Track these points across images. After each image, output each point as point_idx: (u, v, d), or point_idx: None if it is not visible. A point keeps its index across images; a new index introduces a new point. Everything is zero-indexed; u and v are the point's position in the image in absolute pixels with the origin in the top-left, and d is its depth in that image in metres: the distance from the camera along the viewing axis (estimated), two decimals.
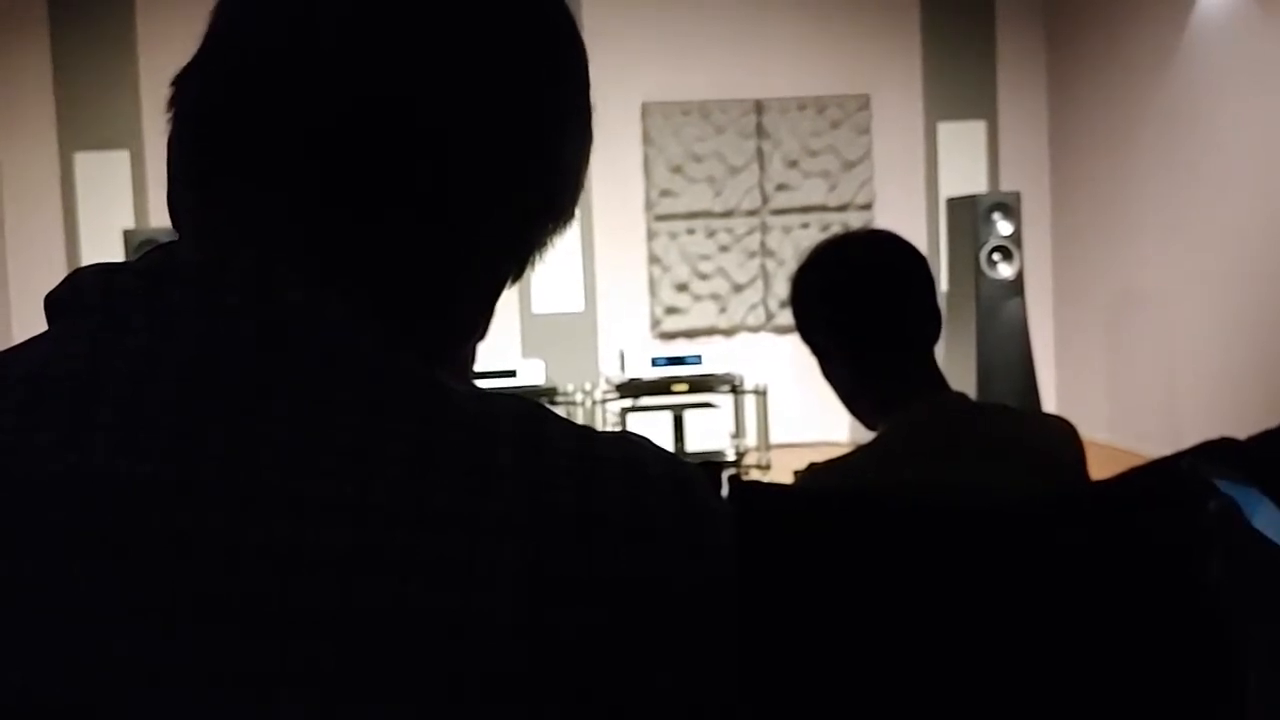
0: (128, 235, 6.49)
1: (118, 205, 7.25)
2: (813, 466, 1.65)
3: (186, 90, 0.63)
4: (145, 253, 0.58)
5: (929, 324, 1.68)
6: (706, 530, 0.55)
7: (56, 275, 6.15)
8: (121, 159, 7.28)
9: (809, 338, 1.72)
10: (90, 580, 0.48)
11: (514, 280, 0.66)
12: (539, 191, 0.64)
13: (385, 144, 0.58)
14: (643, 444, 0.56)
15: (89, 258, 7.14)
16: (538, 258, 0.67)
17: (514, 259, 0.65)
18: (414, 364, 0.56)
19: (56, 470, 0.50)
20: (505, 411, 0.54)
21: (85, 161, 7.29)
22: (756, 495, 1.34)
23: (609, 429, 0.61)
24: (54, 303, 0.58)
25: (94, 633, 0.47)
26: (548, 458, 0.52)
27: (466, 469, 0.51)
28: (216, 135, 0.61)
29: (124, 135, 7.26)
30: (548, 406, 0.56)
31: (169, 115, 0.63)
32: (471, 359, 0.68)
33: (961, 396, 1.69)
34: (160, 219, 7.05)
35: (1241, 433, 1.26)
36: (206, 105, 0.61)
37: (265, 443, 0.50)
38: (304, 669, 0.47)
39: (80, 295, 0.57)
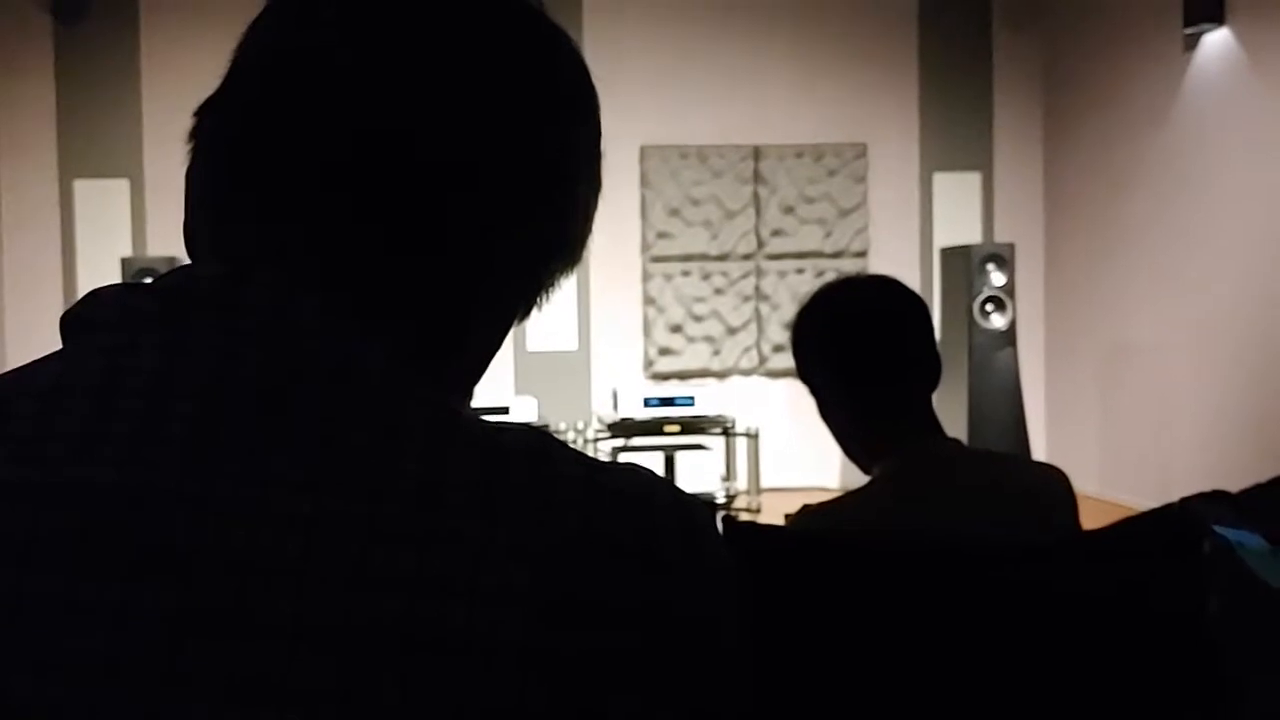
0: (125, 263, 6.52)
1: (116, 233, 7.27)
2: (806, 509, 1.66)
3: (207, 121, 0.64)
4: (163, 274, 0.59)
5: (927, 369, 1.69)
6: (709, 561, 0.56)
7: (53, 301, 6.11)
8: (121, 187, 7.30)
9: (808, 378, 1.73)
10: (98, 590, 0.48)
11: (522, 318, 0.68)
12: (552, 229, 0.66)
13: (402, 175, 0.59)
14: (648, 474, 0.57)
15: (86, 285, 7.15)
16: (545, 297, 0.68)
17: (523, 296, 0.67)
18: (426, 389, 0.56)
19: (67, 481, 0.50)
20: (514, 439, 0.55)
21: (85, 189, 7.31)
22: (750, 535, 1.35)
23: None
24: (71, 321, 0.59)
25: (100, 641, 0.48)
26: (556, 484, 0.53)
27: (476, 493, 0.51)
28: (236, 165, 0.62)
29: (124, 163, 7.29)
30: (554, 436, 0.57)
31: (189, 146, 0.64)
32: (471, 394, 0.68)
33: (955, 442, 1.69)
34: (158, 247, 7.07)
35: (1231, 487, 1.26)
36: (227, 136, 0.62)
37: (276, 461, 0.51)
38: (307, 684, 0.47)
39: (97, 314, 0.58)
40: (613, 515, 0.53)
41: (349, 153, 0.59)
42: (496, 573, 0.50)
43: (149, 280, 0.60)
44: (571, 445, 0.58)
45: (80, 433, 0.52)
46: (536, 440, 0.56)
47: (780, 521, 1.77)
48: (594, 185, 0.69)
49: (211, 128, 0.63)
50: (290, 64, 0.62)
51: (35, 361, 0.57)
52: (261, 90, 0.62)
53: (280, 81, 0.61)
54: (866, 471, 1.71)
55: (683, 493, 0.58)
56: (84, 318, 0.58)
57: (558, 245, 0.67)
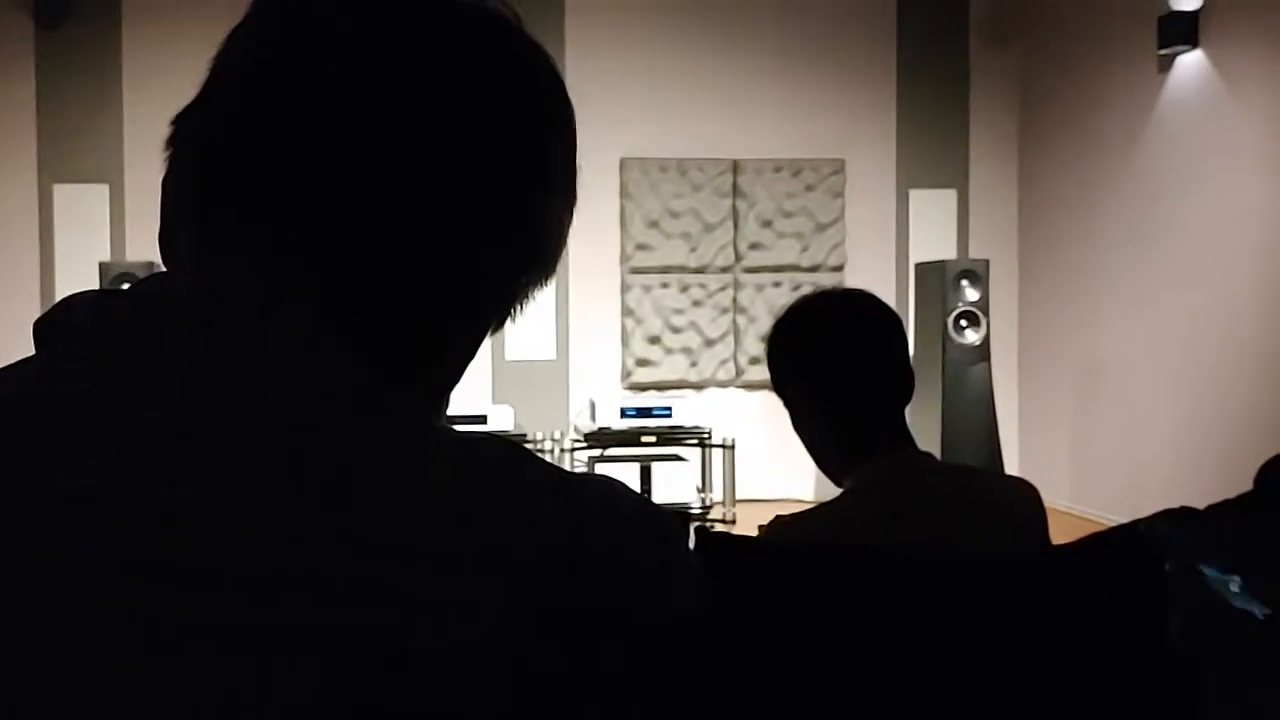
0: (103, 267, 6.49)
1: (95, 238, 7.24)
2: (779, 519, 1.68)
3: (186, 128, 0.64)
4: (139, 281, 0.59)
5: (901, 382, 1.71)
6: (680, 571, 0.57)
7: (30, 305, 6.08)
8: (101, 192, 7.28)
9: (782, 389, 1.74)
10: (75, 597, 0.48)
11: (495, 329, 0.68)
12: (528, 242, 0.67)
13: (381, 185, 0.60)
14: (619, 487, 0.58)
15: (63, 289, 7.11)
16: (520, 308, 0.69)
17: (499, 307, 0.68)
18: (402, 401, 0.57)
19: (43, 492, 0.50)
20: (489, 451, 0.55)
21: (64, 193, 7.28)
22: (722, 544, 1.38)
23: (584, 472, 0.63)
24: (45, 327, 0.58)
25: (76, 647, 0.47)
26: (530, 496, 0.54)
27: (451, 505, 0.52)
28: (214, 173, 0.62)
29: (104, 169, 7.27)
30: (527, 448, 0.58)
31: (167, 154, 0.64)
32: (445, 404, 0.69)
33: (927, 455, 1.72)
34: (136, 253, 7.04)
35: (1198, 502, 1.28)
36: (206, 141, 0.63)
37: (253, 470, 0.51)
38: (283, 692, 0.47)
39: (72, 320, 0.57)
40: (585, 526, 0.54)
41: (329, 164, 0.60)
42: (470, 583, 0.50)
43: (125, 286, 0.59)
44: (548, 455, 0.59)
45: (56, 444, 0.51)
46: (510, 452, 0.56)
47: (754, 532, 1.79)
48: (569, 199, 0.69)
49: (190, 135, 0.63)
50: (271, 74, 0.62)
51: (7, 368, 0.57)
52: (242, 99, 0.62)
53: (261, 91, 0.62)
54: (838, 483, 1.73)
55: (653, 504, 0.59)
56: (58, 323, 0.58)
57: (533, 257, 0.67)
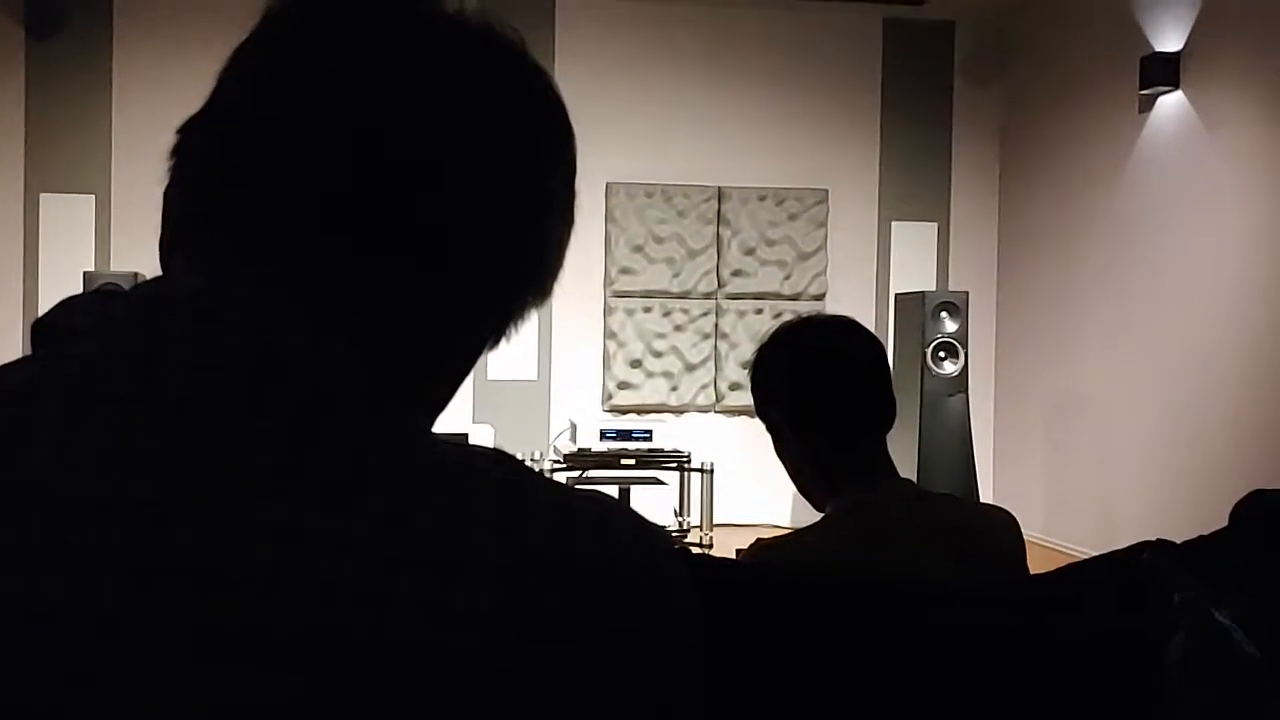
0: (88, 277, 6.48)
1: (80, 248, 7.23)
2: (759, 543, 1.68)
3: (192, 137, 0.64)
4: (143, 282, 0.59)
5: (883, 409, 1.72)
6: (674, 591, 0.57)
7: (12, 313, 6.06)
8: (87, 202, 7.27)
9: (765, 414, 1.75)
10: (66, 599, 0.48)
11: (491, 347, 0.69)
12: (527, 263, 0.68)
13: (386, 200, 0.61)
14: (614, 503, 0.58)
15: (47, 297, 7.09)
16: (515, 328, 0.69)
17: (495, 326, 0.68)
18: (400, 410, 0.57)
19: (42, 490, 0.50)
20: (485, 462, 0.55)
21: (50, 202, 7.28)
22: (701, 567, 1.39)
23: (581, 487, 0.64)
24: (45, 327, 0.58)
25: (65, 647, 0.47)
26: (525, 509, 0.54)
27: (447, 515, 0.52)
28: (219, 183, 0.62)
29: (91, 179, 7.26)
30: (524, 462, 0.57)
31: (170, 163, 0.64)
32: (435, 420, 0.69)
33: (908, 483, 1.73)
34: (122, 263, 7.03)
35: (1169, 533, 1.30)
36: (212, 147, 0.63)
37: (249, 471, 0.50)
38: (274, 697, 0.47)
39: (72, 321, 0.57)
40: (578, 541, 0.54)
41: (336, 177, 0.60)
42: (462, 593, 0.50)
43: (126, 288, 0.59)
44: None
45: (53, 440, 0.51)
46: (505, 465, 0.56)
47: (732, 556, 1.81)
48: (568, 222, 0.71)
49: (194, 145, 0.64)
50: (279, 89, 0.62)
51: (4, 366, 0.56)
52: (250, 111, 0.63)
53: (269, 105, 0.62)
54: (819, 509, 1.73)
55: (649, 522, 0.59)
56: (58, 325, 0.57)
57: (531, 278, 0.68)
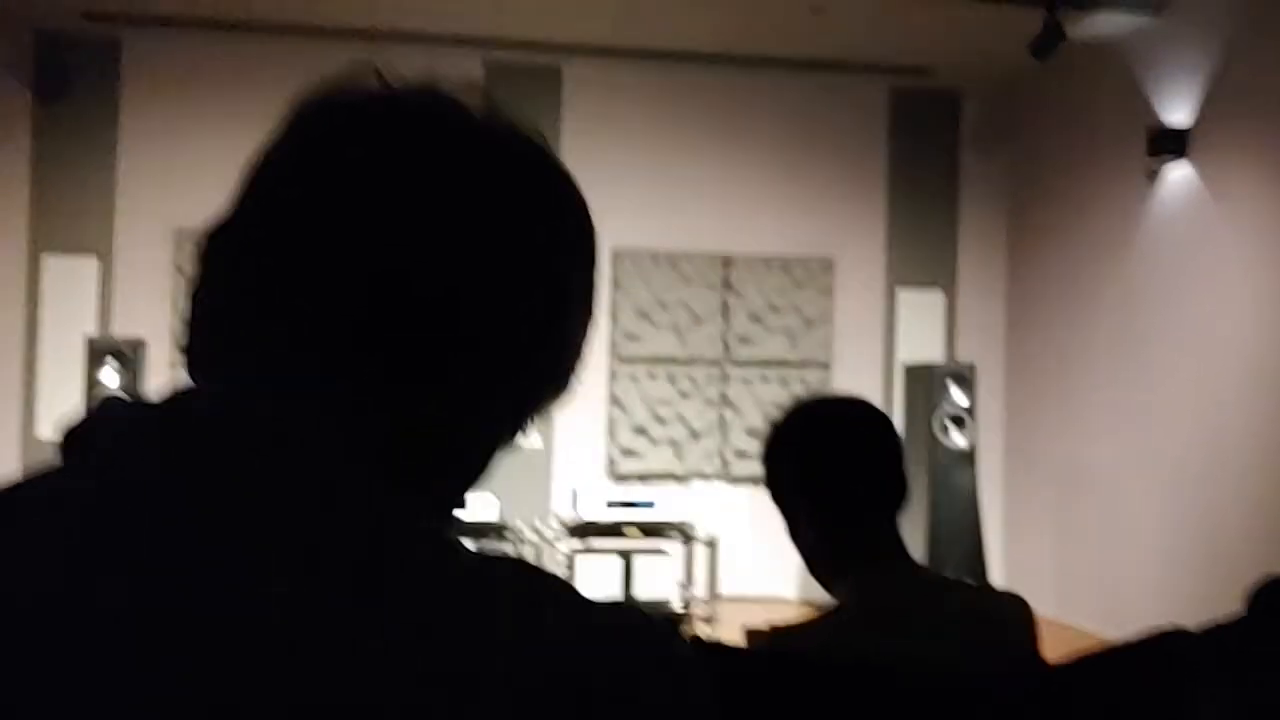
0: (90, 343, 6.47)
1: (82, 311, 7.23)
2: (774, 630, 1.66)
3: (219, 246, 0.65)
4: (170, 396, 0.60)
5: (896, 492, 1.71)
6: (695, 710, 0.57)
7: (13, 375, 6.02)
8: (90, 265, 7.28)
9: (778, 497, 1.73)
10: (97, 689, 0.50)
11: (508, 441, 0.69)
12: (547, 363, 0.68)
13: (407, 313, 0.61)
14: (638, 616, 0.58)
15: (48, 360, 7.11)
16: (534, 421, 0.70)
17: (514, 423, 0.69)
18: (419, 517, 0.58)
19: (60, 598, 0.52)
20: (505, 572, 0.56)
21: (53, 264, 7.28)
22: (720, 658, 1.35)
23: (572, 577, 0.63)
24: (73, 438, 0.60)
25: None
26: (545, 623, 0.54)
27: (466, 629, 0.52)
28: (246, 293, 0.63)
29: (95, 241, 7.28)
30: (541, 567, 0.58)
31: (199, 270, 0.65)
32: (453, 514, 0.71)
33: (920, 567, 1.72)
34: (124, 327, 7.02)
35: (1180, 615, 1.27)
36: (238, 262, 0.64)
37: (268, 586, 0.52)
38: None
39: (99, 434, 0.59)
40: (599, 657, 0.54)
41: (357, 294, 0.61)
42: (480, 708, 0.50)
43: (152, 401, 0.61)
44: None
45: (74, 551, 0.53)
46: (525, 575, 0.57)
47: (736, 631, 1.77)
48: (588, 318, 0.71)
49: (223, 253, 0.65)
50: (304, 201, 0.63)
51: (33, 476, 0.59)
52: (276, 223, 0.63)
53: (293, 218, 0.63)
54: (829, 589, 1.71)
55: (674, 635, 0.59)
56: (87, 436, 0.59)
57: (550, 377, 0.69)
